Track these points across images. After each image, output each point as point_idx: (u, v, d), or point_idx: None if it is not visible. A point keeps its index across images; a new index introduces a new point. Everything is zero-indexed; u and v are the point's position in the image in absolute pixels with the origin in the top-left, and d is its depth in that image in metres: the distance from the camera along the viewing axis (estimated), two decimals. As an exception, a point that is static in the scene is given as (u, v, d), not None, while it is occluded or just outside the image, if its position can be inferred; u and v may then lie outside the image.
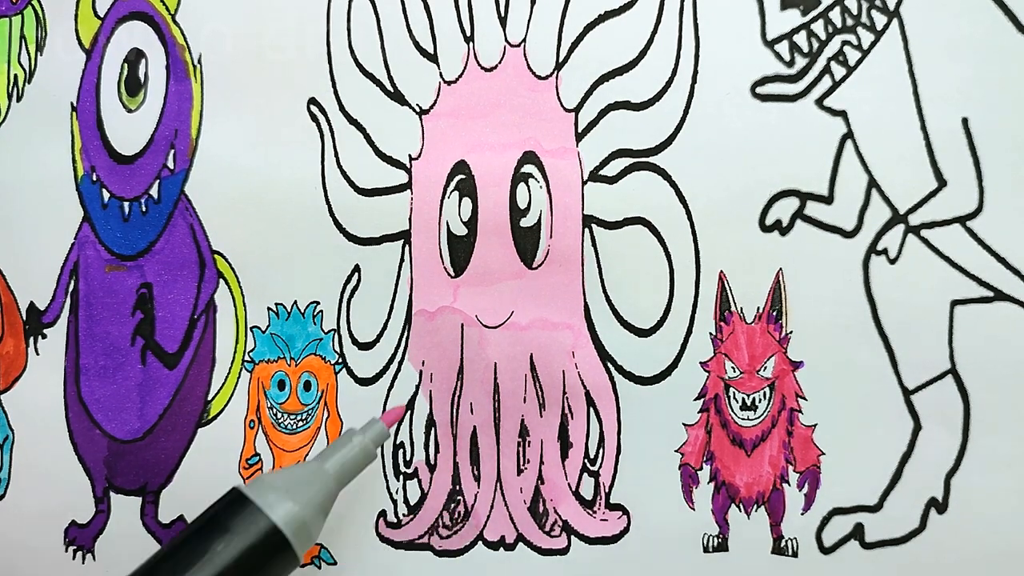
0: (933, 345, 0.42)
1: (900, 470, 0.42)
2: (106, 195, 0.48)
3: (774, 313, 0.43)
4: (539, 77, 0.45)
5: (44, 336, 0.48)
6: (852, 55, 0.42)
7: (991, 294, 0.41)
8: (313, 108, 0.46)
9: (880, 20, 0.42)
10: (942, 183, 0.42)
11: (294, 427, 0.46)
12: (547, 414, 0.44)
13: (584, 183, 0.44)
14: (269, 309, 0.46)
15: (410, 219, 0.45)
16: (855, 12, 0.42)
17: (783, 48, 0.43)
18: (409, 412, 0.45)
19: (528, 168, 0.45)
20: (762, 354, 0.43)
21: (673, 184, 0.44)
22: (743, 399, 0.43)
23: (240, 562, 0.38)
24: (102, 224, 0.48)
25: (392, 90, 0.46)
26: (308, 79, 0.46)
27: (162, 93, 0.47)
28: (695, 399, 0.44)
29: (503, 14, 0.45)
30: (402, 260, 0.45)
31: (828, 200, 0.42)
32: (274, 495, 0.40)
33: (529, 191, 0.45)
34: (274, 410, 0.46)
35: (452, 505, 0.45)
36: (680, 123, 0.44)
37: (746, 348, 0.43)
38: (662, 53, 0.44)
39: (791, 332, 0.43)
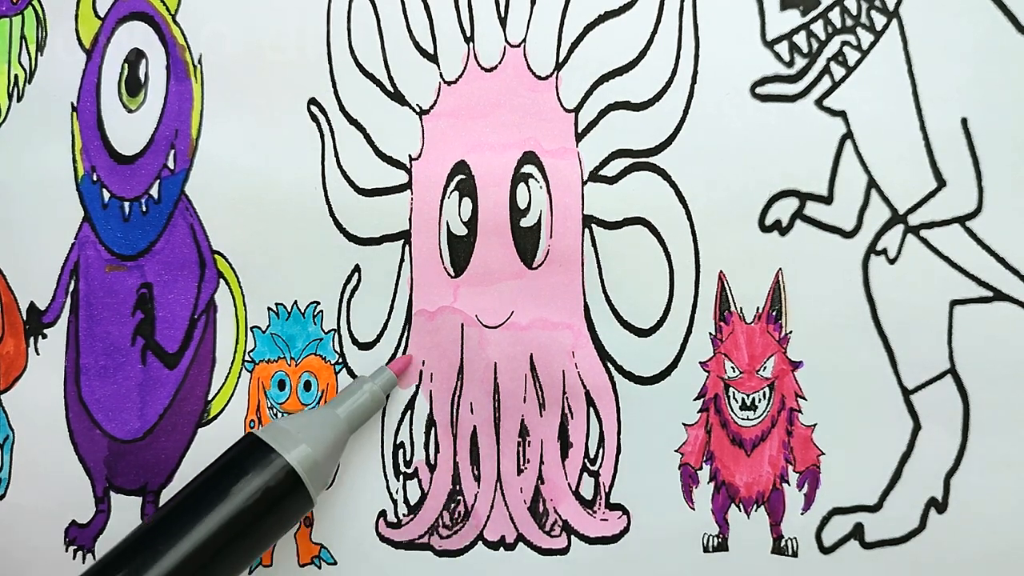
0: (932, 345, 0.42)
1: (900, 470, 0.42)
2: (106, 195, 0.48)
3: (774, 313, 0.43)
4: (539, 77, 0.45)
5: (44, 336, 0.48)
6: (852, 55, 0.42)
7: (990, 294, 0.41)
8: (313, 108, 0.46)
9: (879, 20, 0.42)
10: (941, 183, 0.42)
11: (294, 427, 0.46)
12: (547, 414, 0.44)
13: (584, 183, 0.44)
14: (269, 309, 0.46)
15: (410, 219, 0.45)
16: (855, 12, 0.42)
17: (783, 48, 0.43)
18: (409, 412, 0.45)
19: (528, 168, 0.45)
20: (762, 354, 0.43)
21: (673, 184, 0.44)
22: (743, 399, 0.43)
23: (257, 502, 0.40)
24: (102, 224, 0.48)
25: (392, 90, 0.46)
26: (308, 79, 0.46)
27: (162, 93, 0.47)
28: (695, 399, 0.44)
29: (503, 14, 0.45)
30: (402, 260, 0.45)
31: (828, 200, 0.42)
32: (288, 438, 0.41)
33: (529, 191, 0.45)
34: (274, 410, 0.46)
35: (452, 505, 0.45)
36: (680, 123, 0.44)
37: (746, 348, 0.43)
38: (662, 53, 0.44)
39: (791, 332, 0.43)
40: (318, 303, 0.46)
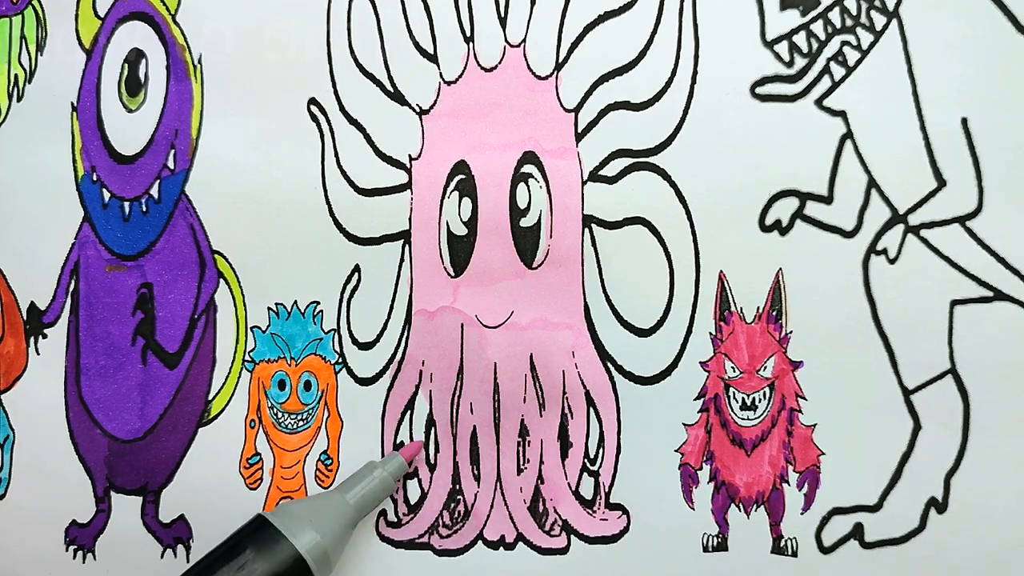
0: (933, 345, 0.42)
1: (900, 470, 0.42)
2: (106, 195, 0.48)
3: (774, 313, 0.43)
4: (539, 77, 0.45)
5: (45, 336, 0.48)
6: (851, 55, 0.42)
7: (991, 294, 0.41)
8: (313, 108, 0.46)
9: (879, 20, 0.42)
10: (941, 183, 0.42)
11: (295, 427, 0.46)
12: (547, 414, 0.44)
13: (584, 183, 0.44)
14: (269, 309, 0.46)
15: (410, 219, 0.45)
16: (854, 12, 0.42)
17: (783, 48, 0.43)
18: (409, 412, 0.45)
19: (528, 168, 0.45)
20: (762, 354, 0.43)
21: (673, 184, 0.44)
22: (743, 399, 0.43)
23: None
24: (102, 224, 0.48)
25: (392, 90, 0.46)
26: (308, 79, 0.46)
27: (162, 93, 0.47)
28: (695, 399, 0.44)
29: (503, 14, 0.45)
30: (402, 260, 0.45)
31: (828, 200, 0.42)
32: (297, 524, 0.41)
33: (529, 191, 0.45)
34: (275, 410, 0.46)
35: (452, 504, 0.45)
36: (680, 123, 0.44)
37: (746, 348, 0.43)
38: (662, 53, 0.44)
39: (791, 332, 0.43)
40: (318, 303, 0.46)
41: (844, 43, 0.42)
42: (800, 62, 0.43)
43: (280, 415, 0.46)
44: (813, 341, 0.43)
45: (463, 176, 0.45)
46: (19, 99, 0.49)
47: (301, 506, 0.42)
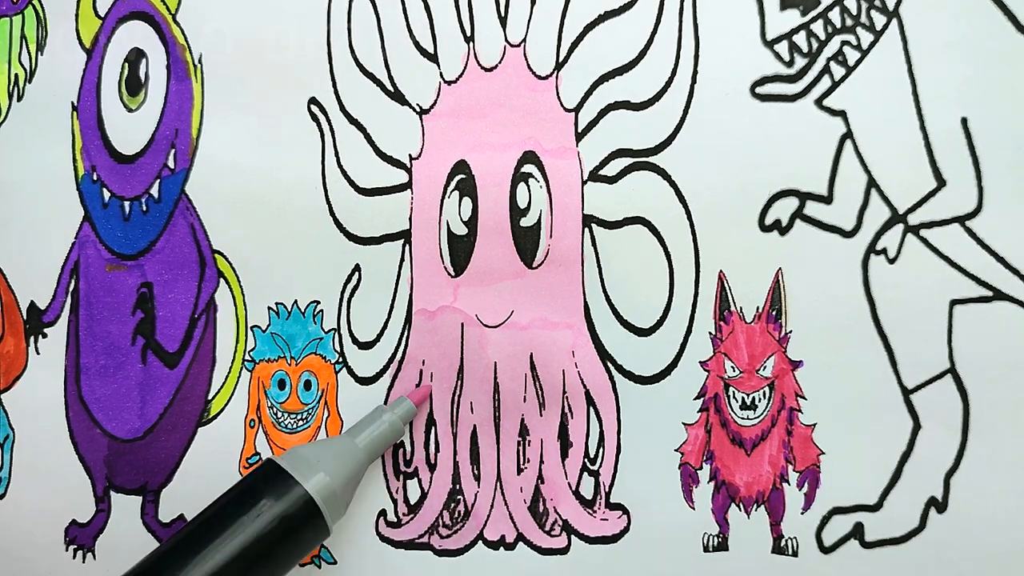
0: (932, 345, 0.42)
1: (900, 469, 0.42)
2: (107, 194, 0.48)
3: (774, 313, 0.43)
4: (539, 77, 0.45)
5: (44, 335, 0.48)
6: (851, 55, 0.42)
7: (990, 294, 0.41)
8: (313, 108, 0.46)
9: (879, 20, 0.42)
10: (941, 183, 0.42)
11: (294, 426, 0.46)
12: (547, 413, 0.44)
13: (584, 183, 0.44)
14: (269, 308, 0.46)
15: (410, 219, 0.45)
16: (854, 12, 0.42)
17: (783, 48, 0.43)
18: (409, 411, 0.45)
19: (528, 168, 0.45)
20: (762, 353, 0.43)
21: (673, 184, 0.44)
22: (743, 398, 0.43)
23: (273, 530, 0.39)
24: (103, 223, 0.48)
25: (392, 90, 0.46)
26: (308, 79, 0.46)
27: (163, 93, 0.47)
28: (695, 398, 0.44)
29: (503, 14, 0.45)
30: (402, 260, 0.45)
31: (827, 200, 0.43)
32: (307, 466, 0.41)
33: (529, 191, 0.45)
34: (274, 409, 0.46)
35: (452, 504, 0.45)
36: (680, 123, 0.44)
37: (746, 347, 0.43)
38: (662, 53, 0.44)
39: (791, 332, 0.43)
40: (318, 302, 0.46)
41: (844, 43, 0.42)
42: (800, 62, 0.43)
43: (280, 415, 0.46)
44: (813, 341, 0.43)
45: (463, 176, 0.45)
46: (19, 99, 0.49)
47: (310, 449, 0.42)
